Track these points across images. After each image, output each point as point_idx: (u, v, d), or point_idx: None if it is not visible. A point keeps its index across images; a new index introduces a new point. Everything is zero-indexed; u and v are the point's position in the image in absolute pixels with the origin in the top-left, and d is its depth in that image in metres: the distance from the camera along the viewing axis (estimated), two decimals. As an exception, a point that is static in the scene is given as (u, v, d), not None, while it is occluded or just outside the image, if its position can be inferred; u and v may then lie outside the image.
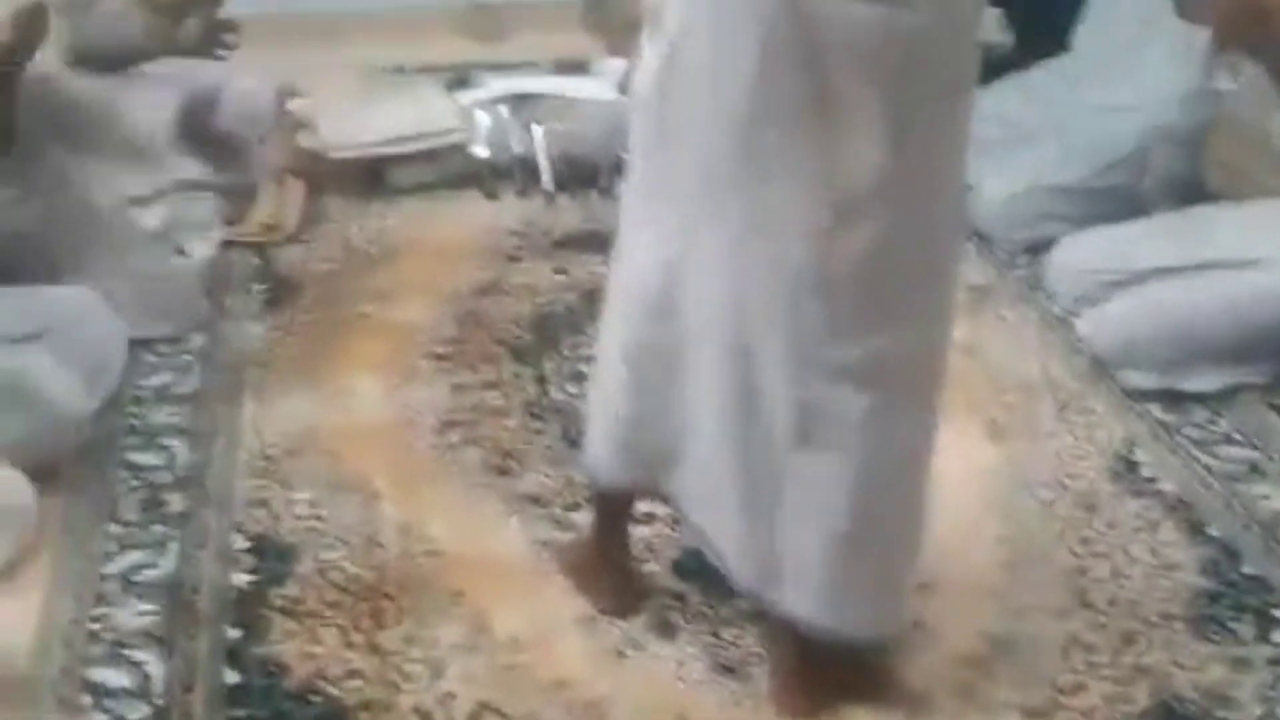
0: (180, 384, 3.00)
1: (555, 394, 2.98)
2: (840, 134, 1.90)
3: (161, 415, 2.88)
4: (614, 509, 2.35)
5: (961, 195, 2.08)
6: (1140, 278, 3.17)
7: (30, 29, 2.87)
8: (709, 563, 2.25)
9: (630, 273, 2.18)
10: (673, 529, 2.49)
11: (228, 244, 3.54)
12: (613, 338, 2.24)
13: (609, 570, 2.38)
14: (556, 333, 3.21)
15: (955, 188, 2.05)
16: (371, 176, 3.92)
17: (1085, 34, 3.83)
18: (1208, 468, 2.76)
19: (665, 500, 2.29)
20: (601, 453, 2.29)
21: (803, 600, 2.10)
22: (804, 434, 2.02)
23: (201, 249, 3.43)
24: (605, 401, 2.27)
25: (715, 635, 2.32)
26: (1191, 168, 3.57)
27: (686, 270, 2.06)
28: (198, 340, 3.16)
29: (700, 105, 1.96)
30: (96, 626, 2.32)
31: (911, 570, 2.19)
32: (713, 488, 2.13)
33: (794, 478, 2.05)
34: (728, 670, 2.25)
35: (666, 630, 2.33)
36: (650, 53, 2.03)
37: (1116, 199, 3.55)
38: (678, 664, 2.26)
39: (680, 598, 2.40)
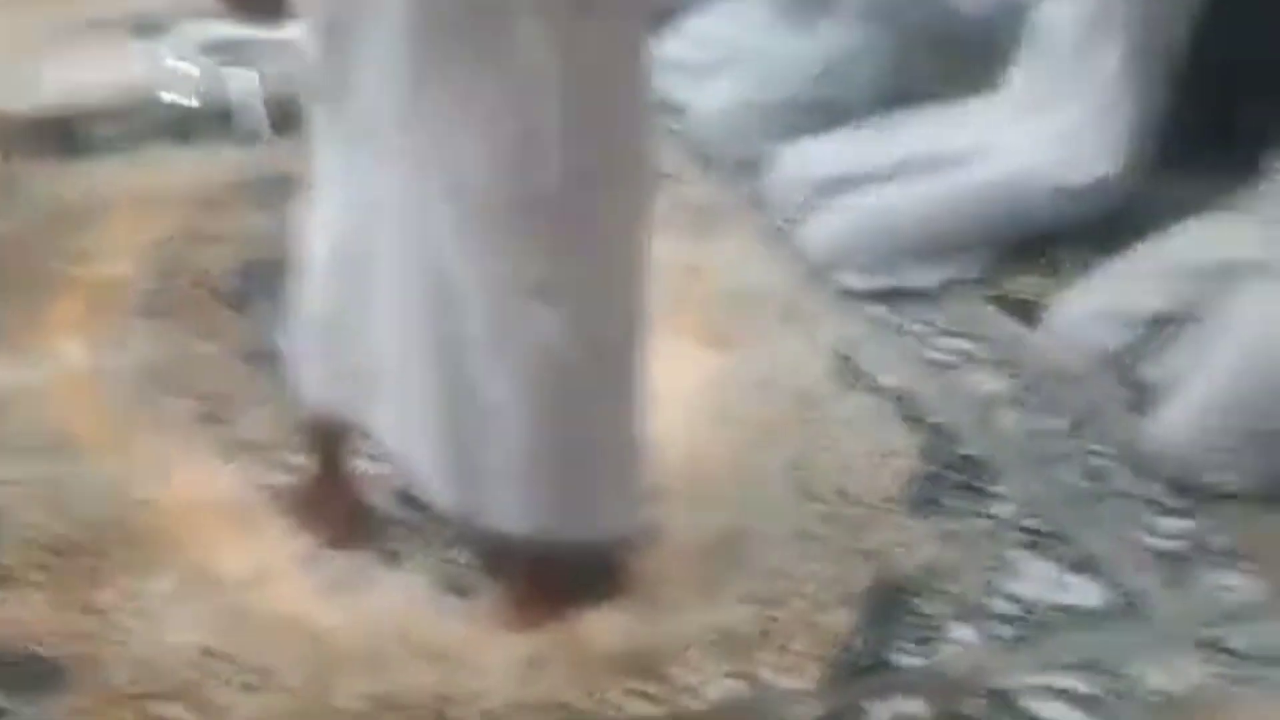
0: None
1: (266, 340, 2.87)
2: (520, 78, 1.88)
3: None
4: (329, 441, 2.29)
5: (647, 116, 2.07)
6: (852, 182, 3.23)
7: None
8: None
9: (322, 221, 2.14)
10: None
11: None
12: (311, 270, 2.17)
13: (330, 504, 2.32)
14: (269, 278, 3.09)
15: (640, 109, 2.04)
16: (67, 134, 3.73)
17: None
18: (927, 360, 2.81)
19: (365, 432, 2.24)
20: (305, 377, 2.23)
21: (514, 516, 2.08)
22: (500, 353, 2.00)
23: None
24: (304, 323, 2.22)
25: (443, 560, 2.27)
26: (894, 76, 3.63)
27: (375, 213, 2.03)
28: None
29: (371, 51, 1.93)
30: None
31: (633, 476, 2.17)
32: (414, 412, 2.09)
33: (493, 392, 2.02)
34: (455, 592, 2.21)
35: (393, 559, 2.28)
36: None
37: (824, 111, 3.60)
38: (403, 590, 2.21)
39: (406, 525, 2.34)
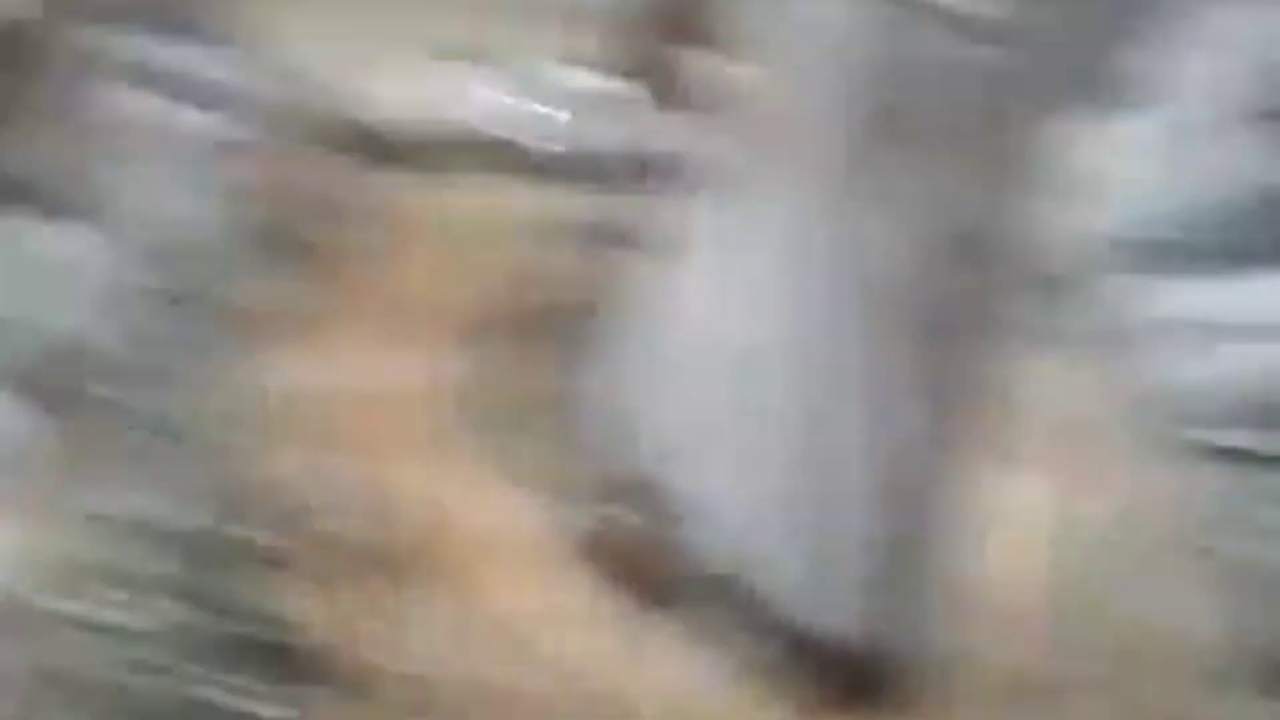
0: None
1: (591, 384, 2.86)
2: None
3: None
4: (655, 500, 2.31)
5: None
6: (1236, 333, 3.05)
7: None
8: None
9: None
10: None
11: None
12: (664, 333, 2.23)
13: (640, 562, 2.32)
14: (598, 322, 3.08)
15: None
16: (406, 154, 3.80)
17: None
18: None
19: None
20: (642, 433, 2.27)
21: (841, 610, 2.09)
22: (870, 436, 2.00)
23: None
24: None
25: (746, 642, 2.21)
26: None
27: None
28: None
29: None
30: None
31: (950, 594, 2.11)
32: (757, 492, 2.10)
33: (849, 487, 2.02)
34: (753, 675, 2.17)
35: (694, 632, 2.23)
36: None
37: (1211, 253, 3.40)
38: (702, 666, 2.18)
39: (709, 600, 2.28)
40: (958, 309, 1.97)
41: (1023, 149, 1.95)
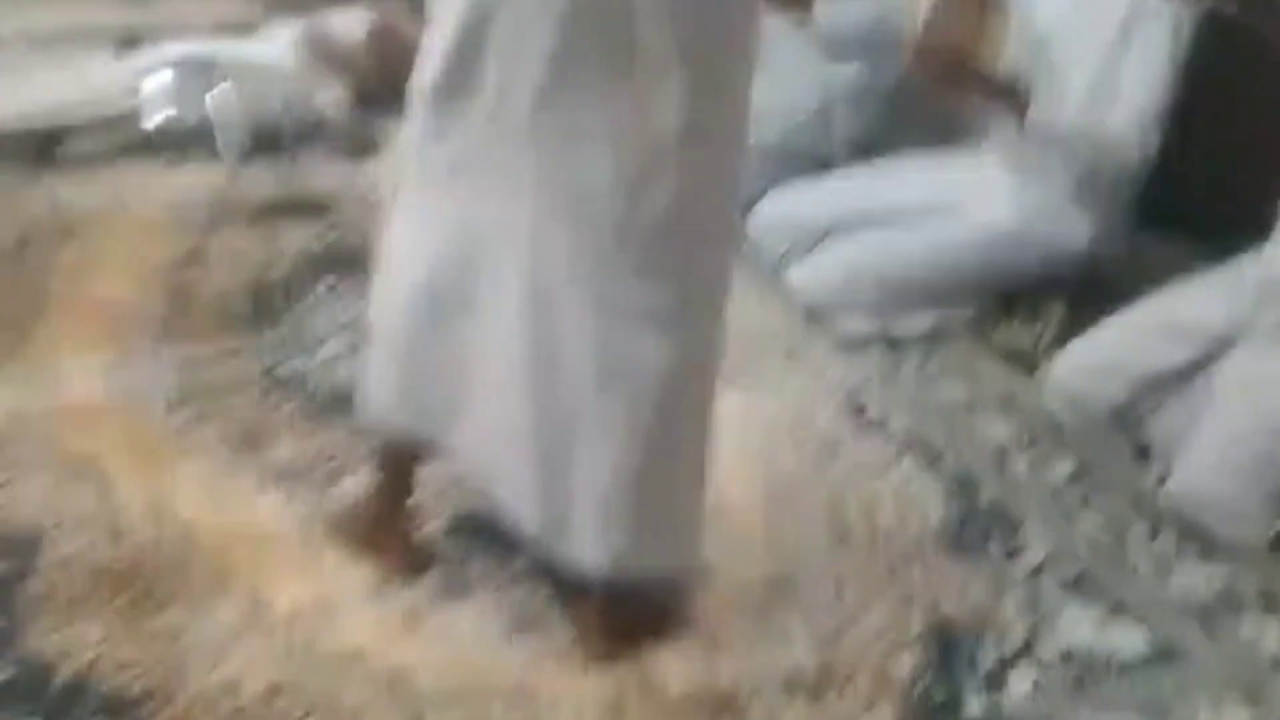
0: None
1: (285, 365, 2.86)
2: (645, 85, 1.91)
3: None
4: (398, 468, 2.28)
5: (746, 141, 2.12)
6: (843, 227, 3.32)
7: None
8: (489, 521, 2.24)
9: (413, 252, 2.13)
10: (442, 495, 2.43)
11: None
12: (392, 292, 2.17)
13: (392, 534, 2.31)
14: (274, 302, 3.08)
15: (743, 134, 2.08)
16: (40, 148, 3.65)
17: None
18: (930, 404, 2.90)
19: (443, 454, 2.24)
20: (384, 401, 2.23)
21: (597, 545, 2.09)
22: (605, 378, 2.02)
23: None
24: (387, 348, 2.21)
25: (507, 592, 2.28)
26: (873, 128, 3.73)
27: (478, 240, 2.04)
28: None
29: (504, 63, 1.93)
30: None
31: (702, 510, 2.22)
32: (503, 439, 2.10)
33: (591, 421, 2.04)
34: (528, 626, 2.22)
35: (457, 591, 2.28)
36: (436, 31, 2.00)
37: (805, 159, 3.69)
38: (474, 625, 2.22)
39: (465, 559, 2.35)
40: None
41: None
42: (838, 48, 3.64)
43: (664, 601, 2.23)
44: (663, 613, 2.23)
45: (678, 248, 2.01)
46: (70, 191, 3.51)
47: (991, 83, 3.16)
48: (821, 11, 3.61)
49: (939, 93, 3.26)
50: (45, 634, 2.13)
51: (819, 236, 3.36)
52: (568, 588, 2.22)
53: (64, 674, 2.07)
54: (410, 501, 2.34)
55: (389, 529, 2.31)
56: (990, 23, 3.17)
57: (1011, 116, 3.16)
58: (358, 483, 2.46)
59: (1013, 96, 3.14)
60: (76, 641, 2.12)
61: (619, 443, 2.05)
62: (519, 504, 2.12)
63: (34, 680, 2.05)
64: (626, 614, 2.18)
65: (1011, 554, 2.47)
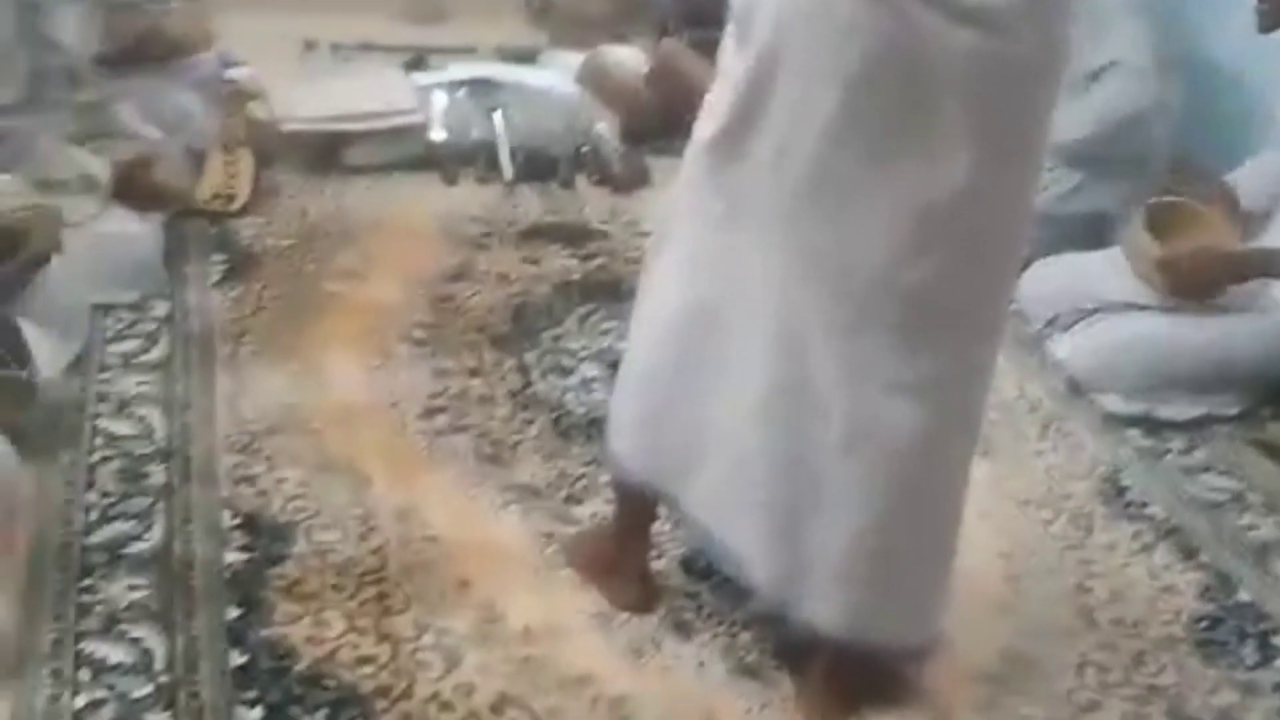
0: (148, 352, 2.86)
1: (539, 385, 2.91)
2: (927, 154, 1.88)
3: (131, 383, 2.75)
4: (639, 504, 2.29)
5: (1031, 212, 2.07)
6: (1112, 306, 3.22)
7: None
8: (718, 563, 2.22)
9: (670, 301, 2.13)
10: (678, 526, 2.44)
11: (181, 212, 3.40)
12: (646, 339, 2.18)
13: (626, 566, 2.32)
14: (534, 323, 3.14)
15: (1027, 205, 2.04)
16: (324, 153, 3.81)
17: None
18: (1192, 495, 2.79)
19: (672, 506, 2.24)
20: (626, 445, 2.23)
21: (830, 611, 2.06)
22: (853, 442, 1.99)
23: (154, 215, 3.29)
24: (635, 395, 2.22)
25: (733, 636, 2.27)
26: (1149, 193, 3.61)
27: (734, 297, 2.03)
28: (160, 308, 3.03)
29: (787, 121, 1.92)
30: (87, 599, 2.19)
31: (944, 584, 2.17)
32: (741, 493, 2.08)
33: (835, 484, 2.01)
34: (750, 673, 2.21)
35: (683, 630, 2.28)
36: (725, 85, 2.00)
37: (1077, 223, 3.60)
38: (698, 664, 2.22)
39: (693, 597, 2.35)
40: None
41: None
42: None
43: (893, 668, 2.19)
44: (890, 679, 2.18)
45: (943, 320, 1.97)
46: (352, 198, 3.64)
47: (1244, 266, 3.09)
48: None
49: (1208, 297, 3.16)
50: (291, 621, 2.20)
51: (1087, 310, 3.27)
52: (792, 643, 2.19)
53: (305, 661, 2.13)
54: (647, 534, 2.34)
55: (623, 559, 2.32)
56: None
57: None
58: (596, 509, 2.48)
59: (1267, 263, 3.05)
60: (320, 631, 2.19)
61: (863, 506, 2.01)
62: (751, 559, 2.11)
63: (276, 664, 2.12)
64: (852, 676, 2.15)
65: (1265, 660, 2.35)
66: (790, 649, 2.21)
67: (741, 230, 2.01)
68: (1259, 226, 3.22)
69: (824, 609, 2.07)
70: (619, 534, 2.33)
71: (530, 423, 2.77)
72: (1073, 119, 3.49)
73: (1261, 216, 3.23)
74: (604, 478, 2.47)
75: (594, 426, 2.67)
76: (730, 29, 2.00)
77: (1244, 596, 2.51)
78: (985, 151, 1.88)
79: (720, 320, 2.06)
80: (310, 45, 4.41)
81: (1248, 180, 3.30)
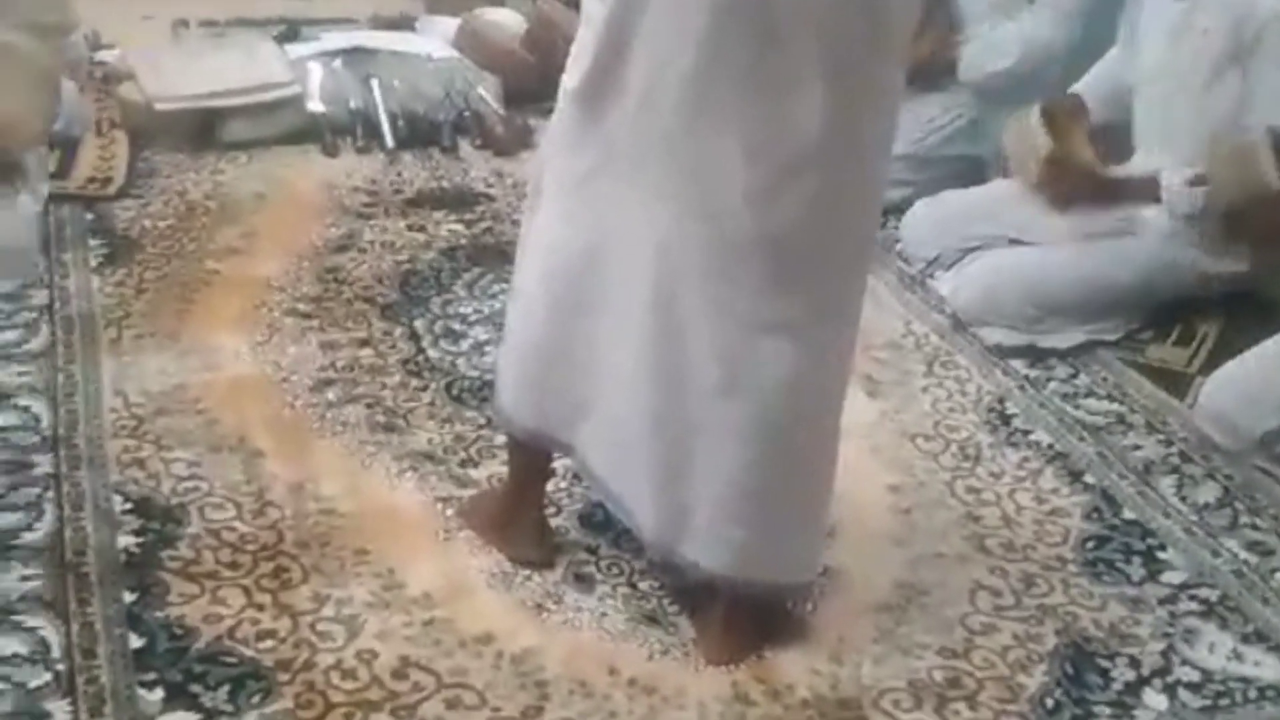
0: (28, 342, 2.82)
1: (431, 351, 2.91)
2: (785, 94, 1.91)
3: (12, 374, 2.71)
4: (532, 460, 2.31)
5: (890, 153, 2.10)
6: (990, 243, 3.28)
7: None
8: (617, 515, 2.24)
9: (549, 253, 2.14)
10: (574, 483, 2.46)
11: (55, 197, 3.35)
12: (527, 293, 2.20)
13: (523, 523, 2.33)
14: (422, 290, 3.14)
15: (886, 146, 2.07)
16: (201, 130, 3.77)
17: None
18: (1076, 420, 2.85)
19: (568, 454, 2.27)
20: (513, 399, 2.25)
21: (717, 553, 2.10)
22: (729, 384, 2.02)
23: (29, 202, 3.23)
24: (519, 349, 2.24)
25: (633, 586, 2.30)
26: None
27: (610, 244, 2.05)
28: (38, 296, 2.98)
29: (649, 63, 1.94)
30: (-21, 592, 2.17)
31: (825, 518, 2.22)
32: (624, 441, 2.12)
33: (712, 428, 2.05)
34: (650, 621, 2.23)
35: (583, 582, 2.30)
36: (588, 31, 2.01)
37: (956, 165, 3.66)
38: (599, 616, 2.24)
39: (592, 550, 2.37)
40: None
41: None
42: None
43: (785, 605, 2.22)
44: (784, 616, 2.22)
45: (808, 260, 2.00)
46: (230, 174, 3.61)
47: (1123, 191, 3.16)
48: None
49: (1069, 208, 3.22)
50: (188, 600, 2.19)
51: (969, 246, 3.32)
52: (689, 588, 2.22)
53: (204, 639, 2.12)
54: (542, 490, 2.36)
55: (519, 517, 2.33)
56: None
57: (1147, 198, 3.11)
58: (493, 471, 2.49)
59: (1142, 186, 3.12)
60: (218, 609, 2.18)
61: (741, 447, 2.05)
62: (638, 506, 2.14)
63: (175, 644, 2.11)
64: (746, 616, 2.18)
65: (1152, 575, 2.42)
66: (687, 594, 2.24)
67: (613, 179, 2.02)
68: (1112, 138, 3.28)
69: (709, 552, 2.10)
70: (515, 491, 2.35)
71: (423, 389, 2.78)
72: (997, 48, 3.57)
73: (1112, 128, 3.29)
74: (500, 439, 2.47)
75: (487, 390, 2.68)
76: None
77: (1129, 515, 2.57)
78: (841, 93, 1.91)
79: (597, 270, 2.08)
80: (181, 23, 4.34)
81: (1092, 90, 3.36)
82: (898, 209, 3.47)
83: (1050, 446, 2.76)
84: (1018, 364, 3.05)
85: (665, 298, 2.01)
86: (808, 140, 1.93)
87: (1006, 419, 2.84)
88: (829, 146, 1.94)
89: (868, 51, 1.92)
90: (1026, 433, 2.80)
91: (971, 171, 3.65)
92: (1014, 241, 3.26)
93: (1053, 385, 2.98)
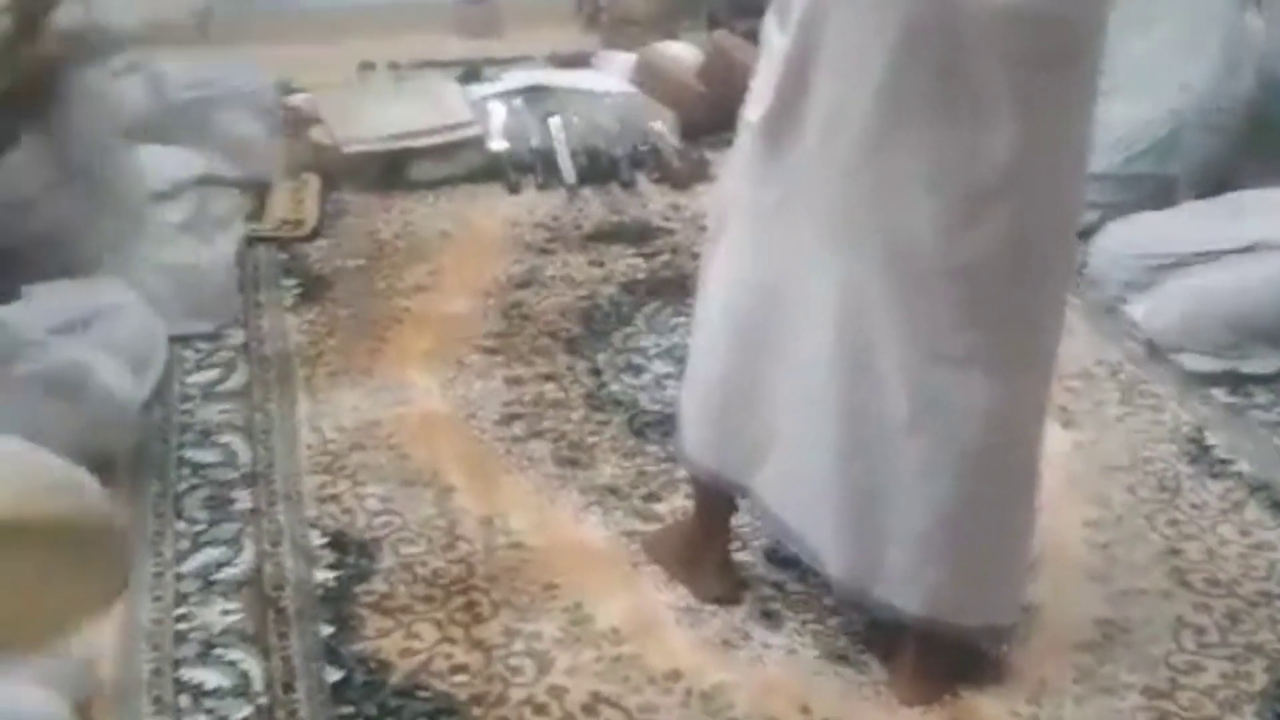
0: (226, 380, 2.91)
1: (613, 386, 2.92)
2: (969, 121, 1.87)
3: (213, 412, 2.79)
4: (715, 497, 2.30)
5: (1084, 178, 2.05)
6: (1187, 261, 3.18)
7: None
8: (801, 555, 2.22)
9: (731, 286, 2.13)
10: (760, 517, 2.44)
11: (251, 240, 3.46)
12: (710, 326, 2.19)
13: (709, 559, 2.32)
14: (604, 325, 3.16)
15: (1080, 172, 2.02)
16: (388, 171, 3.84)
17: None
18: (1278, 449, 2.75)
19: (745, 496, 2.26)
20: (694, 440, 2.25)
21: (911, 594, 2.07)
22: (919, 420, 1.99)
23: (226, 244, 3.34)
24: (701, 382, 2.24)
25: (821, 623, 2.27)
26: (1221, 155, 3.56)
27: (791, 281, 2.04)
28: (236, 336, 3.07)
29: (832, 97, 1.92)
30: (182, 626, 2.23)
31: (1025, 558, 2.17)
32: (809, 481, 2.09)
33: (903, 465, 2.01)
34: (840, 659, 2.20)
35: (771, 619, 2.28)
36: (769, 64, 2.00)
37: (1146, 185, 3.56)
38: (788, 653, 2.21)
39: (779, 586, 2.35)
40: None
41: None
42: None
43: (982, 646, 2.17)
44: (979, 655, 2.17)
45: (1001, 292, 1.96)
46: (417, 213, 3.68)
47: None
48: None
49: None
50: (383, 634, 2.22)
51: (1162, 269, 3.22)
52: (881, 627, 2.19)
53: (400, 674, 2.15)
54: (727, 525, 2.34)
55: (705, 552, 2.32)
56: None
57: None
58: (677, 504, 2.49)
59: None
60: (412, 643, 2.21)
61: (933, 484, 2.01)
62: (823, 546, 2.12)
63: (371, 678, 2.14)
64: (943, 658, 2.14)
65: (1366, 613, 2.31)
66: (879, 633, 2.20)
67: (795, 215, 2.01)
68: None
69: (903, 594, 2.07)
70: (700, 527, 2.34)
71: (606, 424, 2.79)
72: (1199, 69, 3.48)
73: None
74: (681, 474, 2.47)
75: (669, 423, 2.67)
76: (771, 8, 2.00)
77: (1340, 549, 2.47)
78: (1030, 119, 1.87)
79: (780, 308, 2.07)
80: (366, 65, 4.44)
81: None
82: (1086, 232, 3.37)
83: (1253, 477, 2.65)
84: (1217, 391, 2.95)
85: (850, 334, 1.99)
86: (996, 168, 1.89)
87: (1206, 449, 2.74)
88: (1020, 172, 1.90)
89: (1058, 68, 1.88)
90: (1228, 463, 2.70)
91: (1163, 192, 3.54)
92: (1208, 256, 3.15)
93: (1253, 414, 2.87)
